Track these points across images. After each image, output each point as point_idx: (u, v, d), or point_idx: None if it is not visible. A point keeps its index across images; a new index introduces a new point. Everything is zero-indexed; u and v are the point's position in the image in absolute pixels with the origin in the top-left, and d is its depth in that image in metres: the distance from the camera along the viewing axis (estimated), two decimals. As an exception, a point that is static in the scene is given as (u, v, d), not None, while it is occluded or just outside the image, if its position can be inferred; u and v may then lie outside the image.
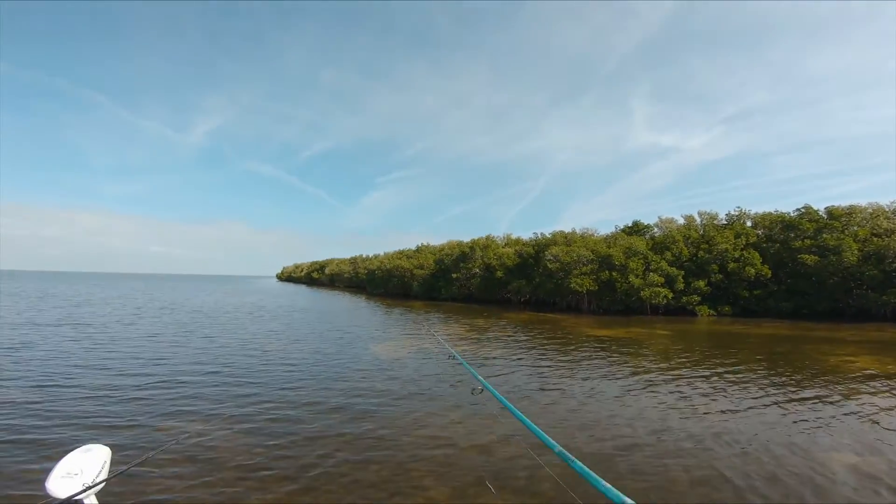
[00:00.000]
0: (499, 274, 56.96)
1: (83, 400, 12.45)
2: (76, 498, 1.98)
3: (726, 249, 42.52)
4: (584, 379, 15.58)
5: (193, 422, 10.76)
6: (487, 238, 67.27)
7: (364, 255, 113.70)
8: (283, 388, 14.03)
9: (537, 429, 2.73)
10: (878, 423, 10.93)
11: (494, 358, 19.14)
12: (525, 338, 25.96)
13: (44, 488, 2.00)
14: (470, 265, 62.14)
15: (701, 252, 44.29)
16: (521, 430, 10.01)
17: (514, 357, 19.82)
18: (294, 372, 16.48)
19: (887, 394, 13.55)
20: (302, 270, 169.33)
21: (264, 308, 47.95)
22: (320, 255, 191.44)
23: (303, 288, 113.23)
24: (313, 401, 12.76)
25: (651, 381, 15.33)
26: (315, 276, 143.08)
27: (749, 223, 48.49)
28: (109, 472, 2.30)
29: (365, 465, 8.48)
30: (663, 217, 55.99)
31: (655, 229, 55.81)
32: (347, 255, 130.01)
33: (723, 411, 11.86)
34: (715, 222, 50.99)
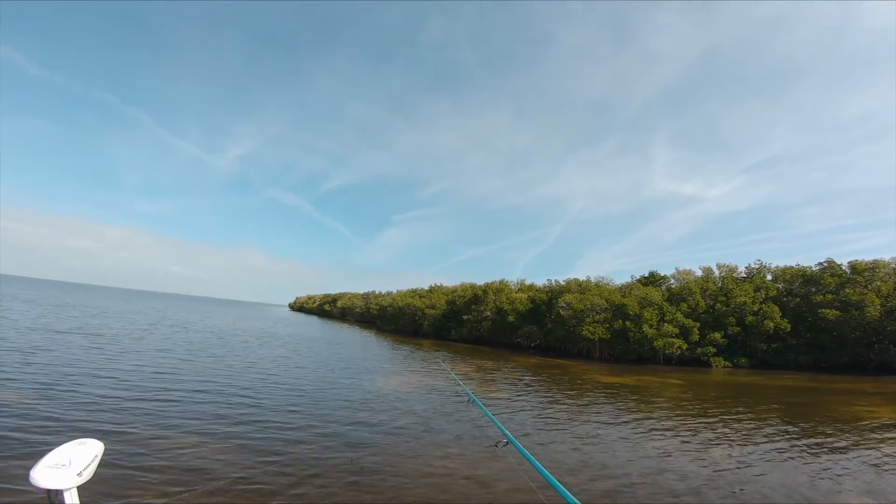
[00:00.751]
0: (510, 318, 56.33)
1: (81, 404, 12.60)
2: (56, 489, 1.99)
3: (745, 302, 41.53)
4: (588, 421, 15.13)
5: (189, 433, 10.79)
6: (501, 282, 67.10)
7: (377, 292, 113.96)
8: (283, 411, 13.99)
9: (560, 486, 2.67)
10: (886, 470, 10.35)
11: (499, 398, 18.77)
12: (532, 380, 25.41)
13: (28, 476, 1.99)
14: (482, 308, 61.73)
15: (718, 304, 43.32)
16: (522, 465, 9.82)
17: (520, 397, 19.39)
18: (295, 396, 16.43)
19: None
20: (314, 302, 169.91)
21: (274, 335, 48.13)
22: (333, 288, 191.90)
23: (314, 319, 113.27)
24: (311, 424, 12.69)
25: (655, 426, 14.80)
26: (327, 309, 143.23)
27: (769, 276, 47.49)
28: (98, 467, 2.29)
29: (356, 492, 8.36)
30: (680, 269, 55.21)
31: (672, 280, 54.93)
32: (360, 290, 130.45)
33: (727, 457, 11.38)
34: (734, 275, 50.05)
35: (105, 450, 2.37)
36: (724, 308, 42.25)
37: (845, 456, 11.31)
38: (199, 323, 51.19)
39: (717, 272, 51.82)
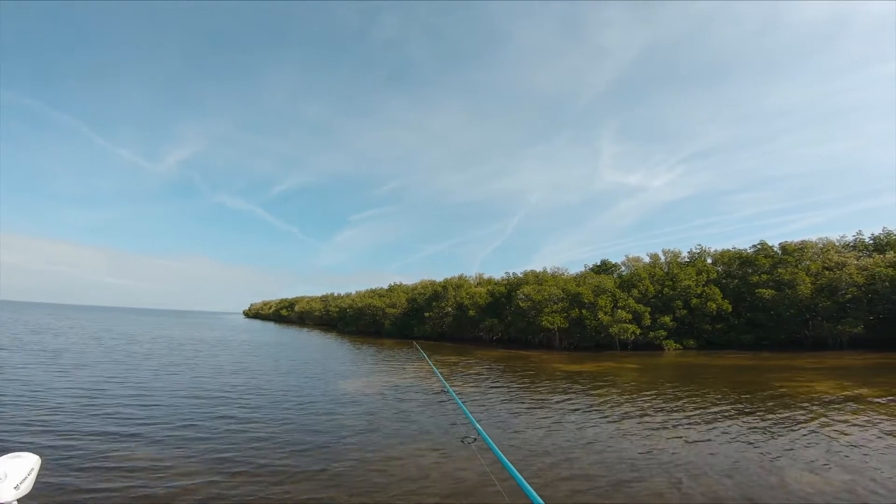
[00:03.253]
0: (471, 313, 56.91)
1: (20, 420, 11.60)
2: None
3: (689, 286, 43.97)
4: (550, 410, 15.54)
5: (141, 446, 10.15)
6: (460, 278, 67.60)
7: (336, 294, 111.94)
8: (242, 420, 13.46)
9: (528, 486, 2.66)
10: (835, 440, 11.28)
11: (464, 393, 18.93)
12: (496, 373, 25.81)
13: None
14: (443, 304, 61.98)
15: (666, 289, 45.63)
16: (493, 462, 9.93)
17: (484, 389, 19.65)
18: (254, 403, 15.85)
19: (843, 414, 13.99)
20: (270, 307, 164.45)
21: (229, 343, 46.27)
22: (290, 293, 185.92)
23: (271, 325, 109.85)
24: (273, 433, 12.27)
25: (614, 411, 15.43)
26: (284, 314, 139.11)
27: (710, 260, 50.51)
28: (36, 481, 2.26)
29: (325, 496, 8.20)
30: (630, 256, 57.75)
31: (623, 268, 57.34)
32: (318, 293, 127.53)
33: (677, 437, 12.00)
34: (678, 260, 52.84)
35: (48, 464, 2.36)
36: (671, 292, 44.56)
37: (788, 430, 12.19)
38: (145, 335, 48.35)
39: (663, 258, 54.54)
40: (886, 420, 13.04)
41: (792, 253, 43.12)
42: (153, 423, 13.18)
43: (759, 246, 46.21)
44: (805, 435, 11.79)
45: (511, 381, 22.34)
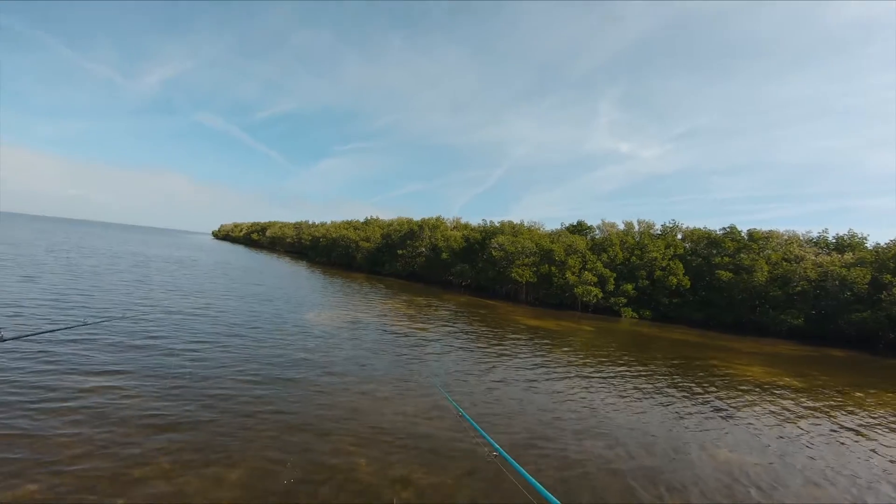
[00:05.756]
0: (444, 256, 57.65)
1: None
2: None
3: (656, 258, 45.57)
4: (507, 364, 16.47)
5: (98, 372, 10.39)
6: (437, 219, 67.59)
7: (310, 222, 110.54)
8: (199, 344, 13.78)
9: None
10: (752, 424, 12.54)
11: (430, 339, 19.68)
12: (461, 320, 26.78)
13: None
14: (417, 243, 62.38)
15: (634, 258, 47.15)
16: (441, 403, 10.50)
17: (448, 337, 20.49)
18: (219, 332, 16.14)
19: (768, 399, 15.44)
20: (241, 230, 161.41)
21: (197, 263, 45.95)
22: (263, 217, 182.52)
23: (241, 248, 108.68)
24: (233, 359, 12.66)
25: (564, 370, 16.48)
26: (255, 238, 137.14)
27: (680, 236, 52.10)
28: None
29: (283, 429, 8.66)
30: (606, 220, 58.81)
31: (597, 231, 58.51)
32: (293, 219, 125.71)
33: (611, 403, 13.05)
34: (651, 231, 54.26)
35: None
36: (638, 261, 46.14)
37: (710, 407, 13.43)
38: (108, 249, 47.20)
39: (637, 227, 55.84)
40: (794, 408, 14.46)
41: (757, 240, 44.91)
42: (109, 353, 13.33)
43: (728, 229, 47.81)
44: (721, 413, 13.04)
45: (473, 330, 23.30)
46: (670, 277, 43.81)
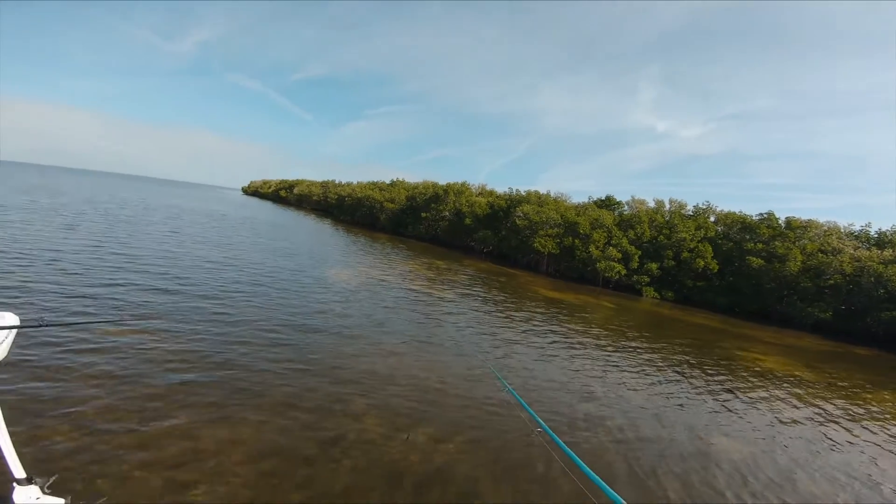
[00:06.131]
0: (467, 221, 57.37)
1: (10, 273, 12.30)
2: None
3: (685, 238, 44.31)
4: (521, 332, 16.53)
5: (135, 318, 10.87)
6: (462, 184, 66.88)
7: (336, 181, 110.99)
8: (225, 294, 14.27)
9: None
10: (748, 411, 12.34)
11: (448, 300, 19.83)
12: (480, 286, 26.85)
13: None
14: (441, 207, 62.14)
15: (661, 236, 45.98)
16: (454, 366, 10.62)
17: (466, 301, 20.62)
18: (244, 282, 16.65)
19: (773, 389, 15.14)
20: (270, 187, 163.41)
21: (226, 217, 47.17)
22: (291, 175, 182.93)
23: (268, 204, 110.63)
24: (255, 310, 13.08)
25: (577, 343, 16.44)
26: (283, 195, 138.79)
27: (713, 218, 50.36)
28: (13, 342, 2.16)
29: (298, 386, 8.96)
30: (636, 197, 57.14)
31: (626, 207, 57.05)
32: (321, 178, 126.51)
33: (622, 382, 13.01)
34: (682, 212, 52.59)
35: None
36: (666, 241, 45.00)
37: (711, 391, 13.27)
38: (143, 201, 48.67)
39: (668, 206, 54.17)
40: (796, 400, 14.13)
41: (795, 229, 43.07)
42: (144, 301, 13.79)
43: (765, 215, 45.93)
44: (720, 398, 12.88)
45: (491, 296, 23.36)
46: (698, 259, 42.67)
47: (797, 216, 45.08)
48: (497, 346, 13.97)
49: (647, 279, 43.38)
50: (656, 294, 42.87)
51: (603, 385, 12.07)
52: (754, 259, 40.33)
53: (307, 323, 12.61)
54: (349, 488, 5.83)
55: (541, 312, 21.86)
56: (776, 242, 40.91)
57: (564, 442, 3.72)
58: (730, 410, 12.04)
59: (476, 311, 19.13)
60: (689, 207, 52.93)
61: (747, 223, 45.61)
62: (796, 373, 18.48)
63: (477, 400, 9.23)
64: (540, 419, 4.12)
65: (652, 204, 55.50)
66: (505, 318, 18.83)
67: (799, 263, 38.28)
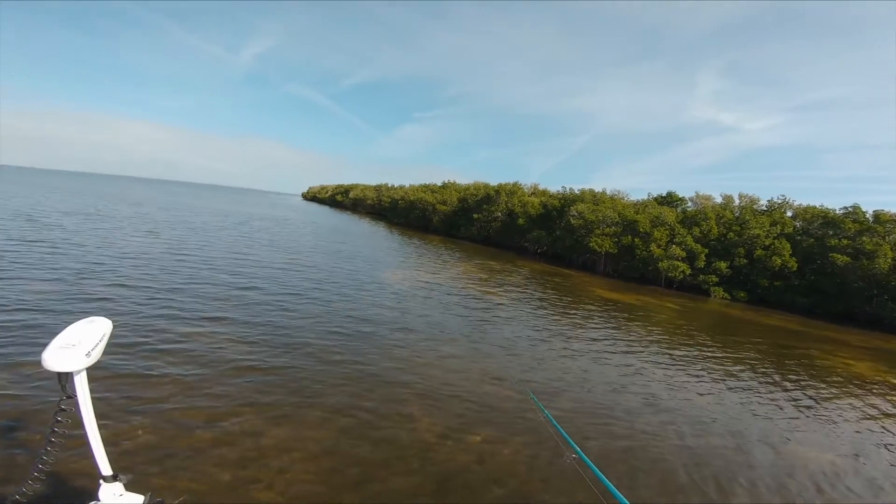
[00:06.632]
0: (520, 221, 56.64)
1: (90, 279, 13.43)
2: (65, 371, 1.91)
3: (758, 235, 41.18)
4: (578, 334, 15.99)
5: (201, 318, 11.58)
6: (514, 185, 66.08)
7: (389, 184, 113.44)
8: (288, 295, 14.89)
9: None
10: (831, 419, 11.15)
11: (500, 303, 19.61)
12: (534, 287, 26.36)
13: (41, 358, 1.89)
14: (493, 208, 61.76)
15: (731, 233, 43.04)
16: (512, 373, 10.43)
17: (520, 302, 20.28)
18: (308, 283, 17.32)
19: (860, 395, 13.61)
20: (327, 192, 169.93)
21: (289, 222, 49.55)
22: (346, 179, 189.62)
23: (326, 209, 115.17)
24: (317, 311, 13.56)
25: (638, 346, 15.65)
26: (339, 199, 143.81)
27: (790, 213, 46.51)
28: (107, 346, 2.17)
29: (355, 385, 9.14)
30: (701, 193, 53.95)
31: (689, 203, 54.05)
32: (373, 183, 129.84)
33: (687, 385, 12.18)
34: (754, 206, 49.00)
35: (113, 330, 2.24)
36: (736, 238, 42.05)
37: (790, 397, 12.12)
38: (214, 208, 52.22)
39: (737, 201, 50.69)
40: (887, 408, 12.57)
41: (884, 223, 38.79)
42: (215, 301, 14.63)
43: (850, 209, 41.74)
44: (800, 404, 11.73)
45: (546, 297, 22.83)
46: (773, 257, 39.50)
47: (885, 209, 40.59)
48: (552, 348, 13.62)
49: (715, 279, 40.74)
50: (726, 294, 40.15)
51: (667, 389, 11.43)
52: (839, 256, 36.74)
53: (364, 323, 12.91)
54: (405, 489, 5.89)
55: (598, 313, 21.09)
56: (863, 238, 37.05)
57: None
58: (812, 418, 11.01)
59: (531, 312, 18.76)
60: (763, 202, 49.24)
61: (830, 218, 41.67)
62: (891, 379, 16.58)
63: (529, 403, 8.98)
64: (575, 444, 3.84)
65: (719, 199, 52.20)
66: (560, 318, 18.32)
67: (889, 260, 34.42)
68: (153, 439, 6.00)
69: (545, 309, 19.90)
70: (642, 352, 14.85)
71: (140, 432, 6.08)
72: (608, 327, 18.06)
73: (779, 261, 39.26)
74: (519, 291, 23.56)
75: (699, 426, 9.29)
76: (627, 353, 14.41)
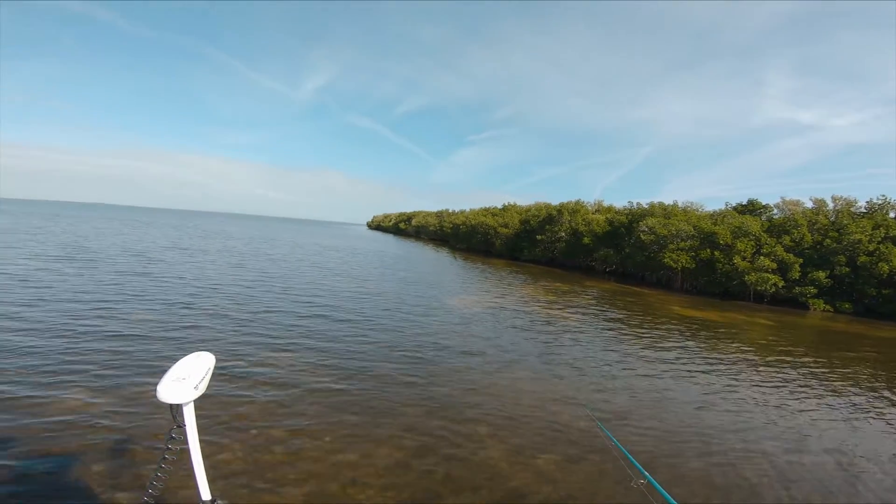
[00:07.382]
0: (586, 240, 54.97)
1: (181, 311, 14.68)
2: (177, 403, 2.10)
3: (860, 240, 36.93)
4: (655, 355, 15.02)
5: (286, 349, 12.25)
6: (577, 203, 64.58)
7: (450, 210, 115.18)
8: (360, 322, 15.42)
9: None
10: None
11: (569, 325, 18.99)
12: (604, 308, 25.28)
13: (155, 391, 2.08)
14: (556, 228, 60.56)
15: (828, 240, 38.97)
16: (583, 394, 10.00)
17: (588, 323, 19.52)
18: (378, 309, 17.87)
19: None
20: (390, 220, 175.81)
21: (357, 251, 51.64)
22: (408, 207, 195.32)
23: (390, 237, 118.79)
24: (386, 338, 13.91)
25: (725, 366, 14.38)
26: (402, 227, 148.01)
27: (893, 214, 41.40)
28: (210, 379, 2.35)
29: (425, 406, 9.19)
30: (786, 198, 49.64)
31: (775, 210, 49.89)
32: (434, 209, 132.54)
33: (799, 410, 10.91)
34: (851, 209, 44.19)
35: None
36: (835, 244, 37.98)
37: None
38: (291, 240, 55.83)
39: (830, 205, 46.03)
40: None
41: None
42: (296, 330, 15.46)
43: (975, 202, 36.44)
44: None
45: (618, 317, 21.77)
46: (880, 264, 35.13)
47: None
48: (626, 368, 12.91)
49: (813, 290, 36.83)
50: (828, 307, 36.13)
51: (763, 411, 10.35)
52: (967, 258, 31.96)
53: (433, 347, 13.02)
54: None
55: (676, 332, 19.75)
56: None
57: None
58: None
59: (602, 332, 17.98)
60: (861, 204, 44.33)
61: (948, 215, 36.60)
62: None
63: (598, 429, 8.55)
64: (643, 469, 3.54)
65: (809, 204, 47.71)
66: (634, 338, 17.38)
67: None
68: (237, 461, 6.29)
69: (617, 329, 18.96)
70: (727, 371, 13.64)
71: (224, 456, 6.40)
72: (688, 346, 16.82)
73: (886, 267, 34.84)
74: (588, 312, 22.69)
75: (798, 453, 8.30)
76: (710, 372, 13.29)
